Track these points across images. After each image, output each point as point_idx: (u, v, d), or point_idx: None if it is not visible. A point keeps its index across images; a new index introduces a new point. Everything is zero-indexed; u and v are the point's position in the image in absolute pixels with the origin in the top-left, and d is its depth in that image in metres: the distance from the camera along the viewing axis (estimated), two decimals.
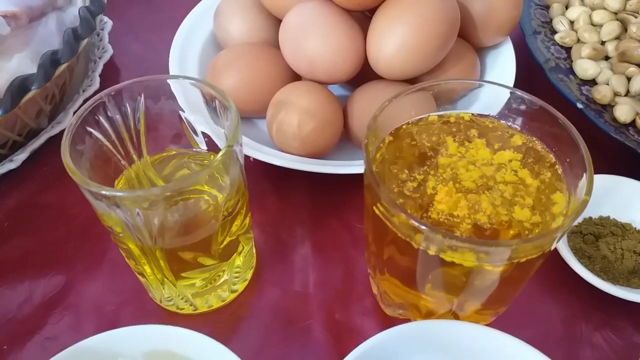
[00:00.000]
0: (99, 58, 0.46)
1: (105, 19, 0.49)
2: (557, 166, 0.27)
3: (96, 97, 0.28)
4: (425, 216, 0.25)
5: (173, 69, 0.41)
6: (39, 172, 0.40)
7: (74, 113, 0.31)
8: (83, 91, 0.43)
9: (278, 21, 0.40)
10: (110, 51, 0.47)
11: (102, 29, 0.48)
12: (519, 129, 0.29)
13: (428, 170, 0.27)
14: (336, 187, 0.39)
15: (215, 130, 0.31)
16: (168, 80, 0.29)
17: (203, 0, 0.46)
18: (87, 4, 0.41)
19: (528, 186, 0.26)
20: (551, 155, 0.27)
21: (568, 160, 0.26)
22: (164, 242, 0.27)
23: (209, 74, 0.40)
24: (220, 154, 0.25)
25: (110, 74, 0.47)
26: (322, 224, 0.37)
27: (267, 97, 0.38)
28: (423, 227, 0.22)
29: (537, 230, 0.25)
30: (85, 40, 0.39)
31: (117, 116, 0.29)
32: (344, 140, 0.39)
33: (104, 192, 0.24)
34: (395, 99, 0.27)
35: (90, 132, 0.28)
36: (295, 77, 0.40)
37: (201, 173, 0.25)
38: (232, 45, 0.42)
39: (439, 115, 0.29)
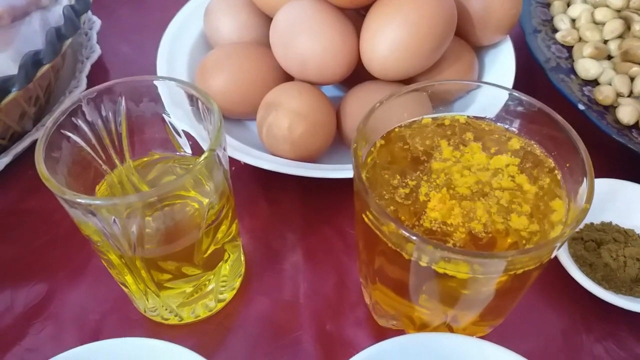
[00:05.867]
0: (87, 58, 0.45)
1: (94, 18, 0.48)
2: (556, 171, 0.26)
3: (73, 99, 0.26)
4: (417, 224, 0.24)
5: (161, 69, 0.40)
6: (23, 176, 0.39)
7: None
8: (70, 92, 0.42)
9: (269, 20, 0.39)
10: (98, 51, 0.45)
11: (91, 29, 0.47)
12: (517, 132, 0.27)
13: (421, 175, 0.26)
14: (329, 192, 0.37)
15: (201, 134, 0.29)
16: (153, 82, 0.28)
17: None
18: (72, 2, 0.40)
19: (526, 192, 0.25)
20: (550, 160, 0.26)
21: (568, 165, 0.25)
22: (144, 252, 0.25)
23: (198, 73, 0.39)
24: (202, 158, 0.24)
25: (98, 75, 0.46)
26: (314, 230, 0.36)
27: (257, 98, 0.37)
28: (413, 237, 0.21)
29: (534, 239, 0.23)
30: (69, 40, 0.38)
31: (97, 119, 0.28)
32: (338, 143, 0.38)
33: (79, 200, 0.23)
34: (386, 100, 0.26)
35: (68, 137, 0.27)
36: (287, 77, 0.39)
37: (181, 179, 0.24)
38: (222, 45, 0.41)
39: (433, 118, 0.28)
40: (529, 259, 0.22)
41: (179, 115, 0.29)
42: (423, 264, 0.22)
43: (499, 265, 0.21)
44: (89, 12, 0.48)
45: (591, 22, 0.44)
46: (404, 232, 0.21)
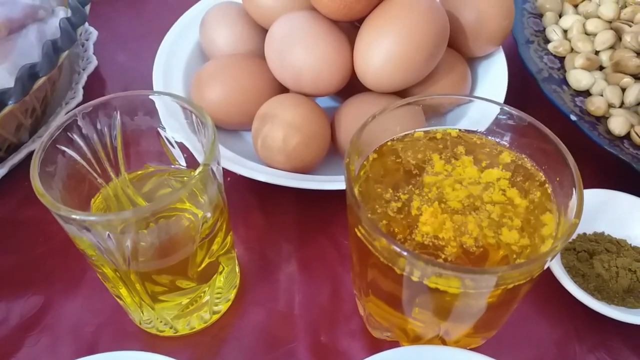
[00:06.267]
0: (83, 69, 0.45)
1: (91, 29, 0.48)
2: (547, 185, 0.26)
3: (69, 114, 0.27)
4: (409, 238, 0.24)
5: (157, 80, 0.40)
6: (19, 187, 0.39)
7: None
8: (66, 104, 0.42)
9: (265, 31, 0.39)
10: (94, 62, 0.46)
11: (87, 40, 0.47)
12: (508, 145, 0.28)
13: (413, 189, 0.26)
14: (324, 203, 0.38)
15: (196, 146, 0.30)
16: (149, 96, 0.28)
17: (190, 10, 0.46)
18: (69, 15, 0.40)
19: (517, 206, 0.25)
20: (541, 174, 0.26)
21: (558, 178, 0.25)
22: (138, 265, 0.26)
23: (194, 85, 0.39)
24: (197, 172, 0.24)
25: (95, 86, 0.46)
26: (309, 241, 0.36)
27: (253, 110, 0.37)
28: (405, 253, 0.21)
29: (525, 253, 0.24)
30: (66, 52, 0.38)
31: (93, 133, 0.28)
32: (333, 153, 0.38)
33: (73, 216, 0.23)
34: (379, 114, 0.26)
35: (64, 151, 0.27)
36: (282, 89, 0.39)
37: (176, 194, 0.24)
38: (217, 56, 0.41)
39: (425, 131, 0.28)
40: (519, 274, 0.22)
41: (174, 128, 0.30)
42: (415, 278, 0.23)
43: (490, 280, 0.22)
44: (86, 24, 0.48)
45: (583, 33, 0.44)
46: (395, 247, 0.22)
